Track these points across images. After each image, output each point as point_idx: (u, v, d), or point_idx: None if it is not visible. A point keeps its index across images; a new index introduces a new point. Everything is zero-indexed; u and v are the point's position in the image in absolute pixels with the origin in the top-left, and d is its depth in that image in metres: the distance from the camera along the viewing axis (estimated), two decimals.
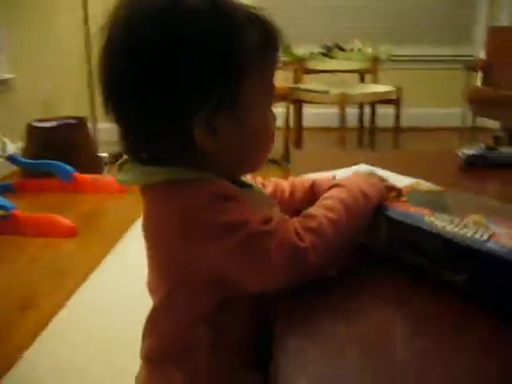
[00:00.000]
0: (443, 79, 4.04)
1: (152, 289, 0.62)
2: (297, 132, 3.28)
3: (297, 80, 3.25)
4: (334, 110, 2.96)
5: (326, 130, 3.79)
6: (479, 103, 2.82)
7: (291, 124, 3.28)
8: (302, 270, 0.56)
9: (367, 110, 3.55)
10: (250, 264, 0.55)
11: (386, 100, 3.11)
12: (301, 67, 3.26)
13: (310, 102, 3.04)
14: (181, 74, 0.53)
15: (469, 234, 0.54)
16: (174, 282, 0.58)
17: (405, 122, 3.17)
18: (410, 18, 4.17)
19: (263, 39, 0.56)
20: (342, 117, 3.26)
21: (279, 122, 3.48)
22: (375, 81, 3.38)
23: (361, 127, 3.63)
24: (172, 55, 0.52)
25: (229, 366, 0.62)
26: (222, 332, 0.60)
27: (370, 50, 3.26)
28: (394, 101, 3.08)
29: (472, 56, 3.94)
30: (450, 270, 0.55)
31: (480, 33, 4.07)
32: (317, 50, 3.28)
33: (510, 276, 0.50)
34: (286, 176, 0.87)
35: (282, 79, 3.34)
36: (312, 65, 3.25)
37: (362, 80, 3.56)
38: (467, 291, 0.54)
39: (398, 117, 3.12)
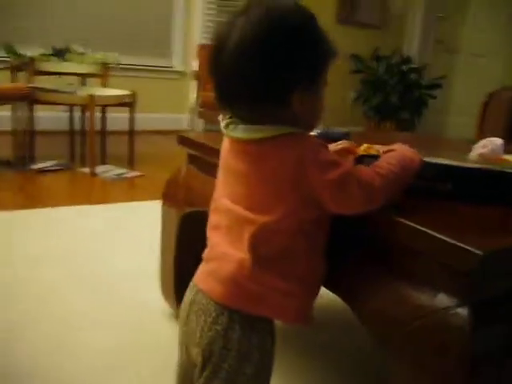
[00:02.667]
0: (163, 88, 4.48)
1: (262, 210, 0.82)
2: (29, 134, 3.18)
3: (30, 81, 3.14)
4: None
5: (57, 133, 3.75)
6: (208, 108, 3.24)
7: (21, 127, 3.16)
8: (371, 204, 0.82)
9: (97, 113, 3.64)
10: (340, 193, 0.80)
11: (119, 104, 3.27)
12: (31, 68, 3.16)
13: (54, 103, 2.98)
14: (300, 59, 0.79)
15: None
16: (290, 203, 0.80)
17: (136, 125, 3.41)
18: (129, 30, 4.41)
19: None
20: (72, 119, 3.30)
21: (7, 126, 3.32)
22: (104, 85, 3.51)
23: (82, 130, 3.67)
24: (296, 47, 0.79)
25: (317, 269, 0.87)
26: (314, 241, 0.85)
27: (99, 56, 3.37)
28: (129, 104, 3.27)
29: (171, 67, 4.55)
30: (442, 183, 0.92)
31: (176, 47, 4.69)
32: (46, 51, 3.24)
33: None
34: None
35: (5, 80, 3.19)
36: (43, 66, 3.18)
37: (83, 83, 3.63)
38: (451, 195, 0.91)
39: (132, 120, 3.32)
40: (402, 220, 0.79)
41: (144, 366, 1.30)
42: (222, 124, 0.88)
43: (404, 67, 4.50)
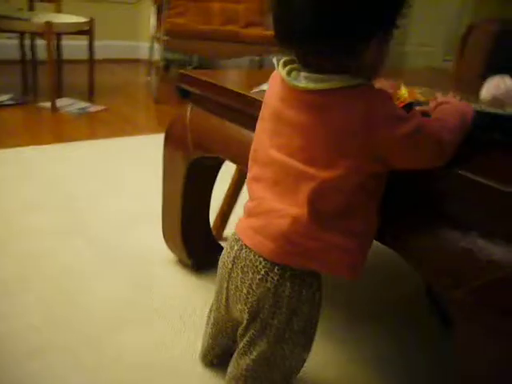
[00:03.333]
0: (120, 14, 4.16)
1: (323, 165, 0.76)
2: None
3: None
4: None
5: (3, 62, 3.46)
6: (175, 37, 3.04)
7: None
8: (441, 159, 0.76)
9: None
10: (411, 149, 0.75)
11: (78, 32, 3.02)
12: None
13: (5, 31, 2.70)
14: (387, 6, 0.72)
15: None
16: (355, 158, 0.74)
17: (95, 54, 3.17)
18: None
19: None
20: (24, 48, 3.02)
21: None
22: (58, 11, 3.22)
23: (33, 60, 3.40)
24: None
25: (374, 225, 0.82)
26: (373, 197, 0.80)
27: None
28: (87, 32, 3.03)
29: None
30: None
31: None
32: None
33: None
34: None
35: None
36: None
37: (31, 8, 3.32)
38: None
39: (91, 49, 3.08)
40: (465, 172, 0.74)
41: (156, 316, 1.25)
42: (282, 70, 0.79)
43: None
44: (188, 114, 1.27)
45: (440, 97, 0.93)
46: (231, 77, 1.40)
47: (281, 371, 0.88)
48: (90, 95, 3.17)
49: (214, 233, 1.54)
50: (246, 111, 1.07)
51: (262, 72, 1.04)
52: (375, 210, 0.82)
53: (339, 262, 0.82)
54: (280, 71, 0.79)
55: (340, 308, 1.36)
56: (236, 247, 0.86)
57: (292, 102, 0.79)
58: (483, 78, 1.13)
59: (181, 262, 1.47)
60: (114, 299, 1.30)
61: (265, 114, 0.86)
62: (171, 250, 1.46)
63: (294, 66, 0.78)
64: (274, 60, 0.82)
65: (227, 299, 0.90)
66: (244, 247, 0.84)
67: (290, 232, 0.78)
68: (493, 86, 1.25)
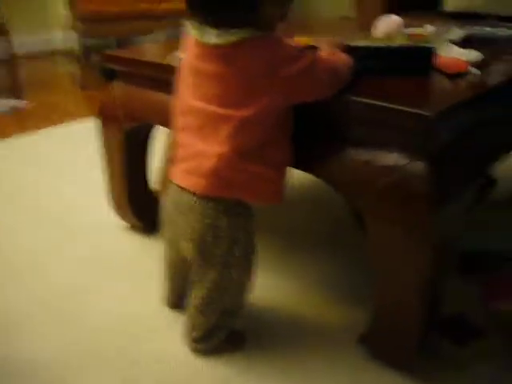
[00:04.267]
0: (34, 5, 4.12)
1: (238, 106, 0.91)
2: None
3: None
4: None
5: None
6: (91, 22, 3.08)
7: None
8: (338, 85, 0.94)
9: None
10: (310, 80, 0.91)
11: None
12: None
13: None
14: None
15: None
16: (266, 97, 0.90)
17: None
18: None
19: None
20: None
21: None
22: None
23: None
24: None
25: (289, 154, 0.99)
26: (285, 128, 0.97)
27: None
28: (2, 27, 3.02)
29: None
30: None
31: None
32: None
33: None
34: None
35: None
36: None
37: None
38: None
39: (9, 45, 3.09)
40: (359, 98, 0.92)
41: (120, 280, 1.39)
42: (195, 32, 0.93)
43: None
44: (115, 91, 1.40)
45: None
46: (150, 50, 1.53)
47: (230, 294, 1.04)
48: (17, 92, 3.19)
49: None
50: (162, 78, 1.22)
51: (175, 42, 1.18)
52: (289, 140, 0.99)
53: (263, 190, 0.98)
54: (193, 33, 0.94)
55: (278, 238, 1.55)
56: (176, 193, 1.01)
57: (206, 56, 0.93)
58: None
59: (133, 227, 1.61)
60: (76, 270, 1.43)
61: (184, 71, 1.00)
62: (121, 217, 1.60)
63: (203, 26, 0.91)
64: (188, 25, 0.95)
65: (176, 241, 1.05)
66: (180, 190, 0.99)
67: (217, 168, 0.93)
68: (383, 24, 1.44)
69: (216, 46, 0.90)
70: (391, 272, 0.97)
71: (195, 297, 1.05)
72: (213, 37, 0.90)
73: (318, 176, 1.00)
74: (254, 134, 0.93)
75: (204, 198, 0.96)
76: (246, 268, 1.03)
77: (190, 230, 0.99)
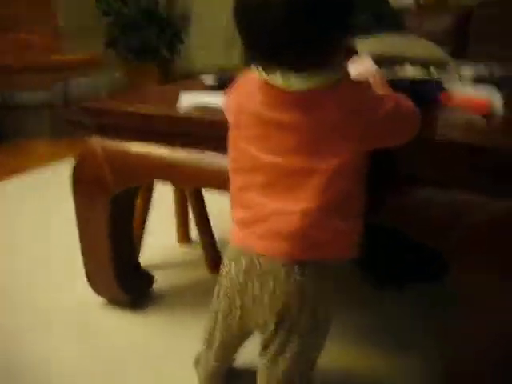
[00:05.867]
0: None
1: (322, 157, 0.83)
2: None
3: None
4: None
5: None
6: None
7: None
8: (417, 128, 0.89)
9: None
10: (397, 122, 0.86)
11: None
12: None
13: None
14: (350, 10, 0.80)
15: None
16: (351, 145, 0.83)
17: None
18: None
19: None
20: None
21: None
22: None
23: None
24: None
25: (364, 203, 0.91)
26: (362, 176, 0.89)
27: None
28: None
29: None
30: None
31: None
32: None
33: None
34: None
35: None
36: None
37: None
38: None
39: None
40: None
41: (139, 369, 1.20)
42: (271, 76, 0.82)
43: (150, 4, 4.43)
44: (99, 149, 1.23)
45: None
46: (140, 100, 1.34)
47: (313, 360, 0.94)
48: None
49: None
50: (175, 131, 1.11)
51: (162, 88, 1.09)
52: (364, 189, 0.91)
53: (344, 247, 0.89)
54: (269, 77, 0.82)
55: None
56: (244, 260, 0.88)
57: (280, 104, 0.83)
58: None
59: (112, 301, 1.41)
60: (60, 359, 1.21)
61: (242, 122, 0.89)
62: (99, 292, 1.39)
63: (284, 71, 0.81)
64: (256, 68, 0.84)
65: (241, 316, 0.91)
66: (255, 256, 0.87)
67: (301, 227, 0.83)
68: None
69: (295, 92, 0.82)
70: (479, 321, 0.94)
71: (274, 371, 0.92)
72: (293, 81, 0.81)
73: (390, 221, 0.95)
74: (341, 186, 0.86)
75: (287, 262, 0.85)
76: (326, 331, 0.94)
77: (269, 298, 0.87)
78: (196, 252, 1.71)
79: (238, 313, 0.91)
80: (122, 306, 1.39)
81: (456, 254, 0.91)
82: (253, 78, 0.87)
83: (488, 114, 1.06)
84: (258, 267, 0.87)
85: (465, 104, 1.10)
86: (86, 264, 1.34)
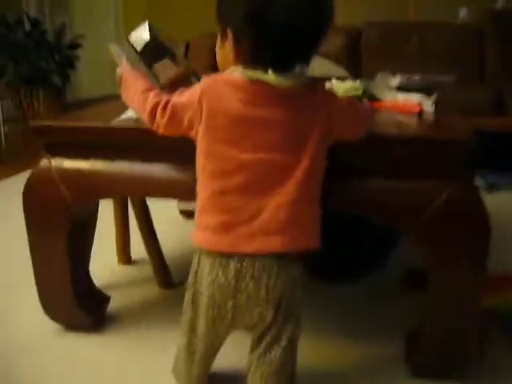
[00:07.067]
0: None
1: (300, 152, 0.89)
2: None
3: None
4: None
5: None
6: None
7: None
8: (371, 121, 1.05)
9: None
10: (354, 115, 0.98)
11: None
12: None
13: None
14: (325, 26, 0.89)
15: None
16: (323, 136, 0.91)
17: None
18: None
19: None
20: None
21: None
22: None
23: None
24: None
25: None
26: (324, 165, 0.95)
27: None
28: None
29: None
30: None
31: None
32: None
33: None
34: None
35: None
36: None
37: None
38: None
39: None
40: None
41: None
42: (262, 74, 0.87)
43: (35, 30, 4.25)
44: (53, 167, 1.18)
45: None
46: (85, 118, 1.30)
47: (296, 350, 0.97)
48: None
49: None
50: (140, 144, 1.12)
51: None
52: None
53: (314, 232, 0.94)
54: (258, 75, 0.87)
55: None
56: (232, 263, 0.88)
57: (266, 101, 0.88)
58: None
59: (70, 327, 1.35)
60: None
61: (218, 125, 0.89)
62: (56, 318, 1.33)
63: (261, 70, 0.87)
64: (239, 69, 0.89)
65: (233, 316, 0.91)
66: (244, 258, 0.88)
67: (289, 219, 0.87)
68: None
69: (282, 89, 0.87)
70: (450, 295, 1.05)
71: (268, 361, 0.94)
72: (284, 79, 0.86)
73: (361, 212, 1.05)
74: (316, 176, 0.93)
75: (280, 256, 0.89)
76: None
77: (265, 291, 0.89)
78: (139, 271, 1.69)
79: (230, 314, 0.92)
80: (80, 330, 1.34)
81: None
82: (220, 80, 0.91)
83: (420, 115, 1.23)
84: (251, 268, 0.88)
85: (398, 108, 1.27)
86: (41, 290, 1.27)
